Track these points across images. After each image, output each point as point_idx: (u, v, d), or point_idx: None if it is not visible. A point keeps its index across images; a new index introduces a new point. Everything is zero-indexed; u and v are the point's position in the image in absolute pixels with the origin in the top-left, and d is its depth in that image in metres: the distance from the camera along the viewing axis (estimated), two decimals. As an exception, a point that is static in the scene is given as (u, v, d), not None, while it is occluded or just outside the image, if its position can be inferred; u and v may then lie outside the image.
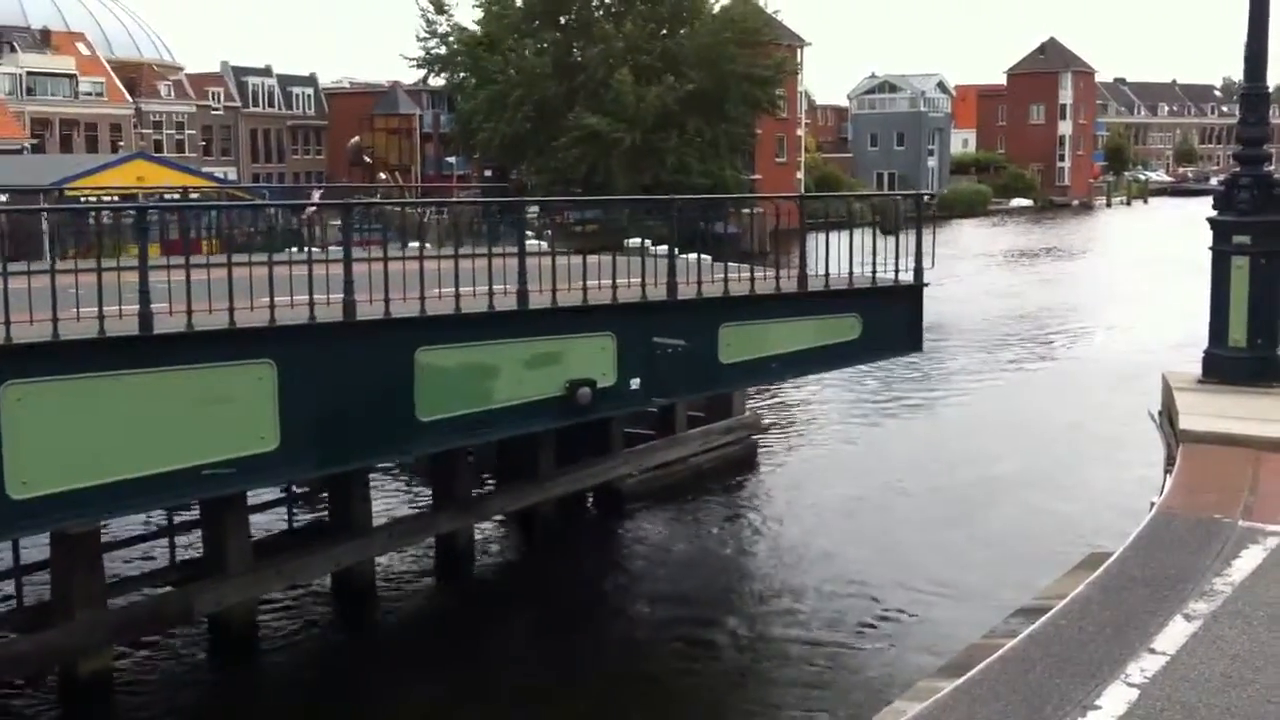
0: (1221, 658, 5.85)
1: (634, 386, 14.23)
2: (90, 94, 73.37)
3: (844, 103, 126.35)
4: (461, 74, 65.92)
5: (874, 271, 15.55)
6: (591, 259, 14.06)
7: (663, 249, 15.17)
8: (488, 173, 70.50)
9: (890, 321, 16.51)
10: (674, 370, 14.67)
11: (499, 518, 19.12)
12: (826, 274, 15.43)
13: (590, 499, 20.47)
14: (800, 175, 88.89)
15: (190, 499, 13.96)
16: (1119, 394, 25.27)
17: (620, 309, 14.02)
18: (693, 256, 15.15)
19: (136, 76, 77.78)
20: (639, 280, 14.19)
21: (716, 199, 43.30)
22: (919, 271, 15.91)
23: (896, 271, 15.78)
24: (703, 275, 14.74)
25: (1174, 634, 6.13)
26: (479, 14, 65.08)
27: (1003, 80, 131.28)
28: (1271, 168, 12.44)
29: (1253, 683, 5.59)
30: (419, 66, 66.47)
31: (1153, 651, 5.93)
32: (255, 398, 11.46)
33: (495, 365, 13.28)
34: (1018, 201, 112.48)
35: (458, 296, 12.57)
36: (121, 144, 71.53)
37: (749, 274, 15.65)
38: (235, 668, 14.43)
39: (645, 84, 59.60)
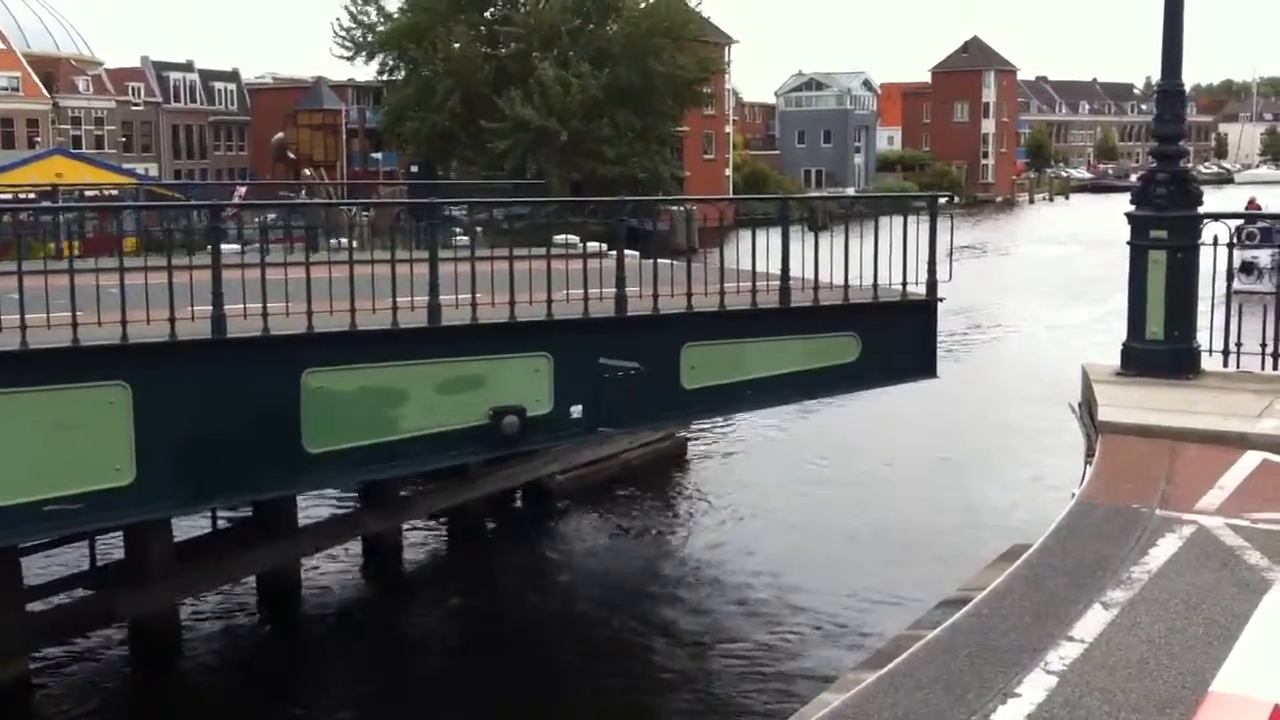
0: (1138, 644, 5.95)
1: (575, 414, 12.32)
2: (5, 89, 71.94)
3: (771, 100, 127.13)
4: (390, 62, 65.33)
5: (875, 283, 13.42)
6: (526, 267, 11.94)
7: (593, 246, 14.44)
8: (414, 168, 69.96)
9: (896, 342, 14.28)
10: (625, 396, 12.63)
11: (428, 517, 18.99)
12: (816, 286, 13.25)
13: (519, 496, 20.42)
14: (729, 172, 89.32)
15: (30, 539, 12.47)
16: (1045, 385, 25.63)
17: (557, 326, 12.04)
18: (648, 261, 13.31)
19: (54, 71, 76.34)
20: (580, 291, 12.16)
21: (704, 199, 42.57)
22: (932, 285, 13.73)
23: (904, 284, 13.55)
24: (662, 285, 12.61)
25: (1092, 622, 6.22)
26: (404, 5, 64.52)
27: (927, 78, 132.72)
28: (1189, 164, 12.64)
29: (1169, 668, 5.69)
30: (346, 48, 65.44)
31: (1071, 639, 6.02)
32: (106, 425, 10.05)
33: (401, 390, 11.51)
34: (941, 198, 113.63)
35: (353, 310, 10.89)
36: (39, 140, 70.20)
37: (718, 284, 13.15)
38: (157, 670, 14.22)
39: (571, 75, 59.45)
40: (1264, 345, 11.35)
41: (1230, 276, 11.33)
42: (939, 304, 14.01)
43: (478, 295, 11.54)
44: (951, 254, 13.85)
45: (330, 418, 11.07)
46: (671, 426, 21.73)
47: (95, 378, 10.08)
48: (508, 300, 11.73)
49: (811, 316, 13.49)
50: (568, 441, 15.76)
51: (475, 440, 11.94)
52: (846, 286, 13.38)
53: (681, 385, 12.97)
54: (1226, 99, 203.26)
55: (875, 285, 13.45)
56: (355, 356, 11.27)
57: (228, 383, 10.72)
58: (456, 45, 61.11)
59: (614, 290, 12.46)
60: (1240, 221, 11.59)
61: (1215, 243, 11.43)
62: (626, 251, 13.13)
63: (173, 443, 10.39)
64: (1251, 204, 53.14)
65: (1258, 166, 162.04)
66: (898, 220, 13.33)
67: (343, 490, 19.35)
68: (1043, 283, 51.63)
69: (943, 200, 14.63)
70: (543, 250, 12.21)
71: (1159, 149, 11.89)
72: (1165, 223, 11.42)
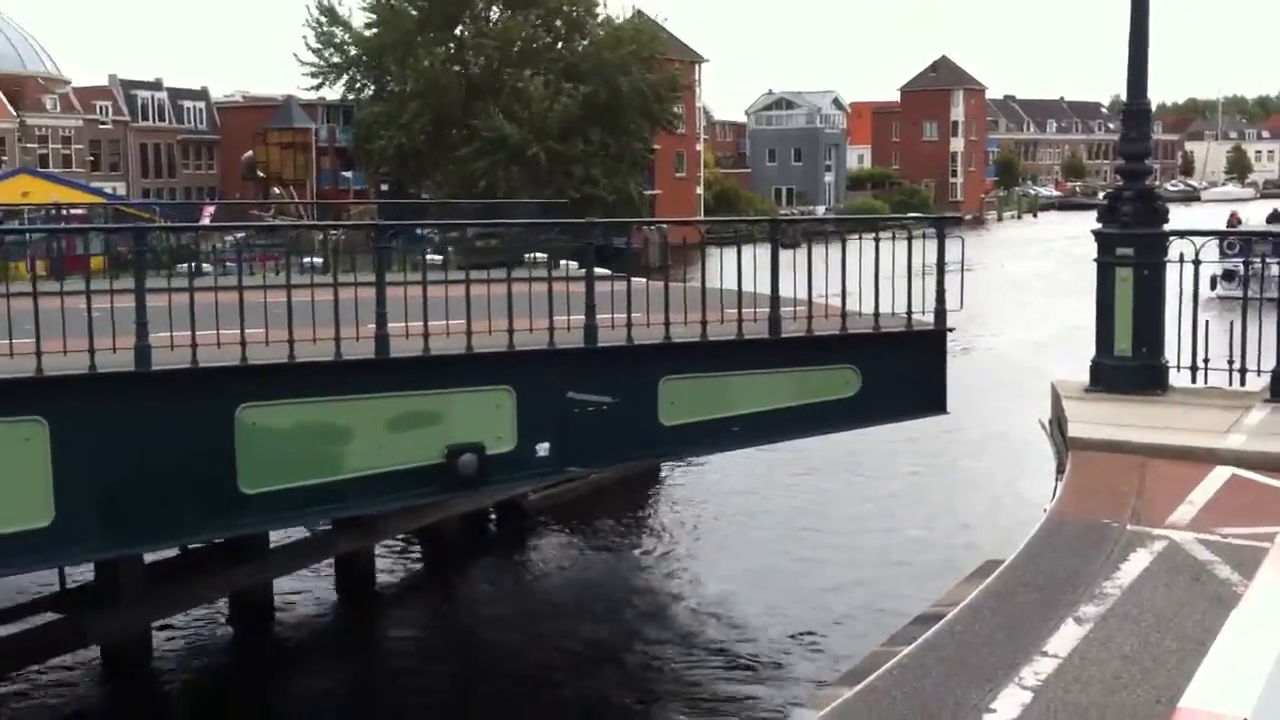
0: (1111, 659, 5.99)
1: (541, 452, 11.34)
2: (-28, 108, 71.38)
3: (742, 119, 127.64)
4: (359, 82, 65.32)
5: (876, 311, 12.33)
6: (488, 291, 10.95)
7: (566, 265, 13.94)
8: (384, 187, 69.81)
9: (901, 376, 13.06)
10: (597, 433, 11.65)
11: (401, 537, 18.91)
12: (810, 314, 12.18)
13: (493, 516, 20.36)
14: (700, 191, 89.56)
15: None
16: (1018, 399, 25.72)
17: (520, 357, 11.07)
18: (620, 286, 12.08)
19: (20, 90, 75.74)
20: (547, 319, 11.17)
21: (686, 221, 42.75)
22: (941, 313, 12.58)
23: (909, 313, 12.48)
24: (637, 309, 11.56)
25: (1065, 637, 6.26)
26: (371, 24, 64.45)
27: (896, 97, 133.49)
28: (1156, 182, 12.76)
29: (1142, 683, 5.73)
30: (314, 75, 65.47)
31: (1045, 654, 6.05)
32: (22, 463, 9.36)
33: (346, 426, 10.61)
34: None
35: (291, 341, 10.10)
36: (5, 159, 69.63)
37: (700, 311, 11.92)
38: (129, 693, 14.11)
39: (552, 91, 59.66)
40: (1230, 361, 11.46)
41: (1197, 296, 11.43)
42: (949, 334, 12.82)
43: (437, 323, 10.73)
44: (963, 281, 12.58)
45: (268, 456, 10.26)
46: (648, 464, 20.89)
47: (9, 413, 9.45)
48: (465, 329, 10.77)
49: (805, 347, 12.28)
50: (532, 481, 14.74)
51: (429, 480, 11.02)
52: (844, 314, 12.36)
53: (659, 422, 11.90)
54: (1192, 117, 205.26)
55: (876, 314, 12.36)
56: (294, 391, 10.46)
57: (154, 418, 9.97)
58: (426, 63, 61.08)
59: (583, 318, 11.49)
60: (1204, 240, 11.68)
61: (1181, 260, 11.53)
62: (598, 270, 12.33)
63: (95, 482, 9.66)
64: (1234, 217, 54.38)
65: (1224, 184, 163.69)
66: (886, 242, 12.47)
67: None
68: (1020, 297, 51.88)
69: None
70: (519, 273, 11.68)
71: (1125, 167, 12.03)
72: (1131, 240, 11.54)
